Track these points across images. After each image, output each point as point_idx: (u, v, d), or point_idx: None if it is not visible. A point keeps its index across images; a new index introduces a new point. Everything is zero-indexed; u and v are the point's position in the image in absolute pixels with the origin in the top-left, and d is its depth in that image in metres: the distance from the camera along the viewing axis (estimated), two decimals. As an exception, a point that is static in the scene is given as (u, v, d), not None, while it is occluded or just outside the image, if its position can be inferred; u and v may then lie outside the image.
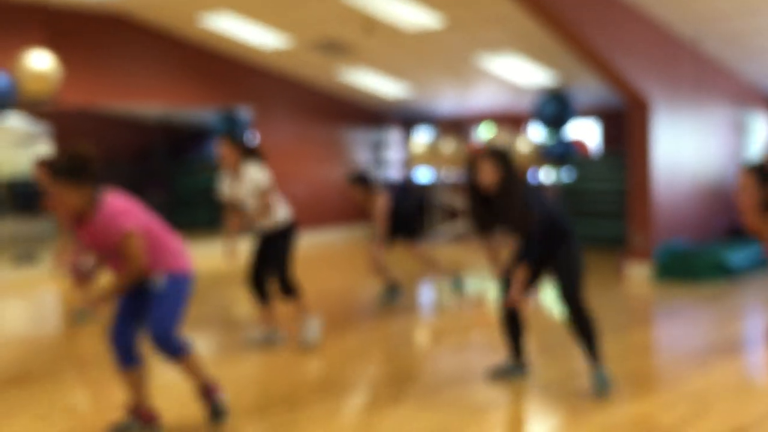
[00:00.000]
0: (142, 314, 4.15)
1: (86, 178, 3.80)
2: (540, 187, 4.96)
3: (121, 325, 4.16)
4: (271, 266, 6.07)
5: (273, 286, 6.10)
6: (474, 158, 4.78)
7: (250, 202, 5.92)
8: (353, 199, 7.74)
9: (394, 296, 7.79)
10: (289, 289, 6.02)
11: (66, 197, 3.80)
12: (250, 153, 5.98)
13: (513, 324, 5.05)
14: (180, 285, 4.13)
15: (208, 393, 4.30)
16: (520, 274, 4.75)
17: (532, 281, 4.91)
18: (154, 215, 4.15)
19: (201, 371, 4.27)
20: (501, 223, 4.84)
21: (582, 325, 4.75)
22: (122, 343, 4.15)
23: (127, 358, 4.17)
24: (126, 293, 4.14)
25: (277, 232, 6.05)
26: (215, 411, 4.29)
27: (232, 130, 13.00)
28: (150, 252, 4.00)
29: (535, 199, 4.75)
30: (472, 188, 4.84)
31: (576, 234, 4.85)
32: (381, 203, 7.49)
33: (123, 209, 3.92)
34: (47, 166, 6.80)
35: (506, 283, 4.95)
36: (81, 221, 3.95)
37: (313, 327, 6.07)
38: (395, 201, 7.60)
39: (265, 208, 5.88)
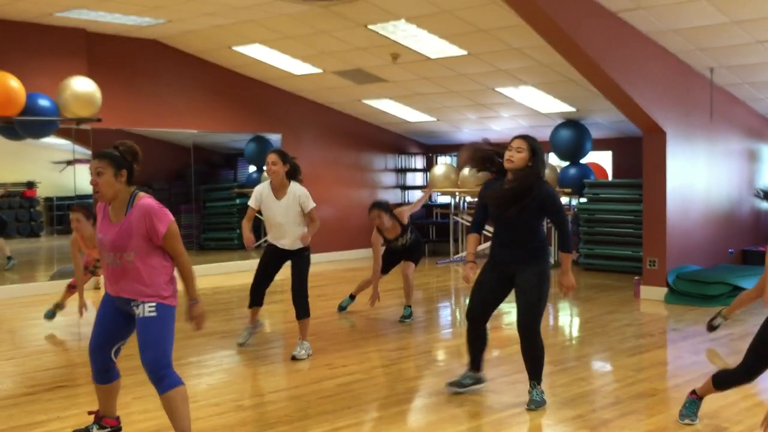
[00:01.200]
0: (122, 335, 4.15)
1: (125, 168, 3.99)
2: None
3: (99, 341, 4.15)
4: (295, 284, 6.47)
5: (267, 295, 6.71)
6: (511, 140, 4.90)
7: (285, 220, 6.40)
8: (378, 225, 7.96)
9: (411, 315, 8.08)
10: (306, 310, 6.47)
11: (105, 177, 3.95)
12: (294, 175, 6.51)
13: (480, 338, 5.26)
14: (170, 314, 4.00)
15: None
16: (566, 263, 4.98)
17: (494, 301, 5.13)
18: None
19: (181, 416, 3.95)
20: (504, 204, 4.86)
21: (535, 351, 4.97)
22: (99, 361, 4.17)
23: (100, 376, 4.23)
24: (107, 308, 4.12)
25: (295, 252, 6.49)
26: None
27: (262, 155, 13.35)
28: (151, 273, 3.96)
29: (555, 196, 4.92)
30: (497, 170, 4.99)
31: (547, 255, 5.03)
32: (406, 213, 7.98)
33: (160, 207, 3.98)
34: (80, 208, 7.34)
35: (476, 293, 5.15)
36: (107, 218, 4.04)
37: (306, 348, 6.46)
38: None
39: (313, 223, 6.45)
